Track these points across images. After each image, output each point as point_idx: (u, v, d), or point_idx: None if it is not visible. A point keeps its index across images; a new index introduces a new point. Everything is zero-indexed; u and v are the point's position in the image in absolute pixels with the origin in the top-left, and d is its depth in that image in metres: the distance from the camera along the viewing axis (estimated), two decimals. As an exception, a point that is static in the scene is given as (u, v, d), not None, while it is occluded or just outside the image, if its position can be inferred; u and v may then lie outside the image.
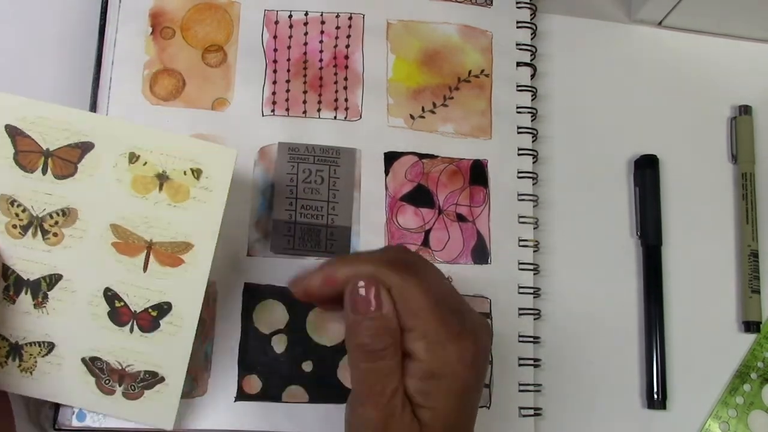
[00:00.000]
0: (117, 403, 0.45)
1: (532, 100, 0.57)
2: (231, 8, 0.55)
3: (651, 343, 0.56)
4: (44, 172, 0.44)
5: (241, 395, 0.49)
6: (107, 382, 0.45)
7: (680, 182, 0.60)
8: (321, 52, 0.55)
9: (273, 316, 0.51)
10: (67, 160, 0.44)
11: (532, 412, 0.52)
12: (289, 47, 0.55)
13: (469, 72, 0.56)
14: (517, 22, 0.58)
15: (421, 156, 0.55)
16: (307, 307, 0.51)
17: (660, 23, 0.62)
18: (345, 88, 0.55)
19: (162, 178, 0.44)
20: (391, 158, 0.54)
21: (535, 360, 0.53)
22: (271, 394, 0.50)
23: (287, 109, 0.54)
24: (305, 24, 0.55)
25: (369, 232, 0.53)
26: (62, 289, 0.44)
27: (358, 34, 0.56)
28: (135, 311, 0.45)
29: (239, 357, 0.50)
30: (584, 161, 0.59)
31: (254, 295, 0.51)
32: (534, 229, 0.55)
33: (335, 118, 0.54)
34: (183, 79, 0.53)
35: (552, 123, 0.59)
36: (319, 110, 0.54)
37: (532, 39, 0.58)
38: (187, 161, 0.44)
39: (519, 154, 0.56)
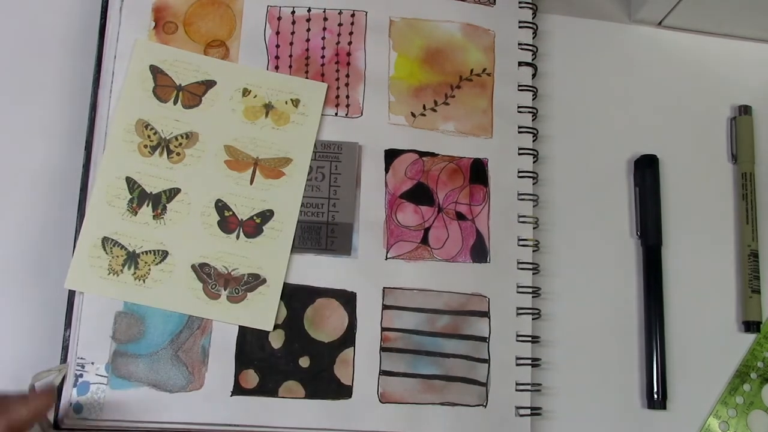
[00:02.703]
0: (221, 307, 0.50)
1: (533, 99, 0.57)
2: (234, 4, 0.55)
3: (651, 343, 0.56)
4: (175, 102, 0.52)
5: (238, 390, 0.49)
6: (213, 287, 0.50)
7: (680, 182, 0.60)
8: (323, 48, 0.55)
9: (271, 311, 0.51)
10: (194, 94, 0.52)
11: (529, 411, 0.52)
12: (291, 43, 0.55)
13: (471, 71, 0.57)
14: (519, 22, 0.58)
15: (422, 154, 0.55)
16: (305, 303, 0.51)
17: (660, 23, 0.62)
18: (347, 84, 0.55)
19: (268, 108, 0.53)
20: (391, 155, 0.54)
21: (534, 359, 0.53)
22: (267, 389, 0.49)
23: (288, 106, 0.54)
24: (308, 20, 0.55)
25: (368, 230, 0.53)
26: (179, 202, 0.51)
27: (360, 31, 0.56)
28: (242, 219, 0.51)
29: (236, 352, 0.50)
30: (584, 161, 0.59)
31: (253, 289, 0.51)
32: (534, 228, 0.55)
33: (336, 114, 0.54)
34: (184, 74, 0.53)
35: (552, 123, 0.60)
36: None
37: (533, 39, 0.58)
38: (288, 93, 0.53)
39: (519, 154, 0.56)
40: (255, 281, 0.50)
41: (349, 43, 0.56)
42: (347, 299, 0.52)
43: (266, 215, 0.51)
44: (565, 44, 0.61)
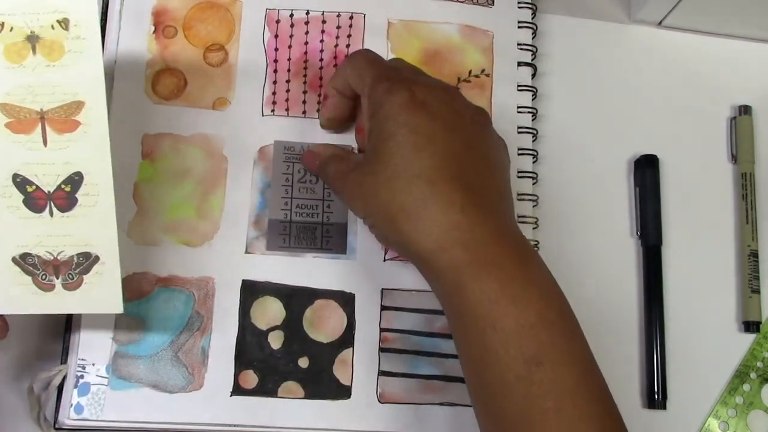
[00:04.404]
0: (60, 298, 0.43)
1: (533, 100, 0.57)
2: (233, 7, 0.55)
3: (651, 343, 0.56)
4: None
5: (238, 390, 0.50)
6: (44, 277, 0.43)
7: (680, 182, 0.60)
8: (321, 51, 0.56)
9: (270, 313, 0.51)
10: None
11: (530, 411, 0.52)
12: (290, 46, 0.55)
13: (470, 72, 0.57)
14: (518, 22, 0.58)
15: (421, 155, 0.55)
16: (304, 305, 0.51)
17: (660, 23, 0.62)
18: (345, 87, 0.55)
19: (32, 40, 0.40)
20: (390, 157, 0.54)
21: (534, 359, 0.53)
22: (267, 389, 0.50)
23: (287, 109, 0.54)
24: (306, 23, 0.56)
25: (366, 230, 0.53)
26: None
27: (358, 33, 0.56)
28: (49, 191, 0.42)
29: (236, 352, 0.50)
30: (584, 161, 0.59)
31: (252, 291, 0.51)
32: (534, 228, 0.55)
33: (335, 117, 0.55)
34: (184, 78, 0.54)
35: (552, 123, 0.59)
36: (318, 110, 0.54)
37: (532, 39, 0.58)
38: (51, 13, 0.40)
39: (519, 154, 0.56)
40: (87, 261, 0.43)
41: (348, 46, 0.56)
42: (346, 300, 0.52)
43: (75, 180, 0.42)
44: (565, 44, 0.61)
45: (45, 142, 0.41)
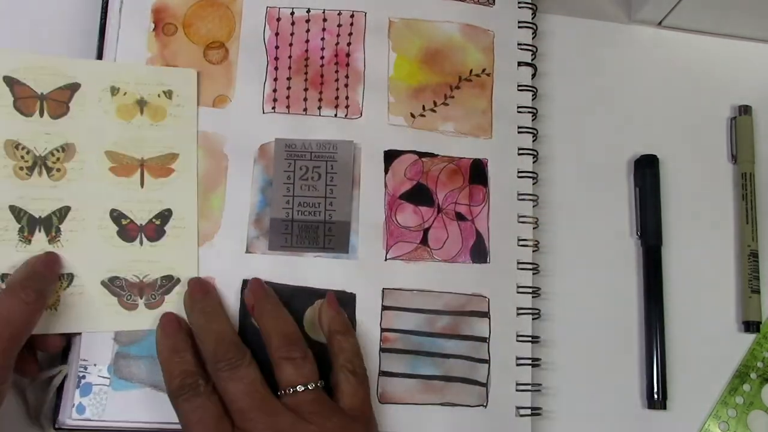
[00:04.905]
0: (142, 316, 0.48)
1: (533, 99, 0.57)
2: (233, 4, 0.55)
3: (651, 343, 0.56)
4: (41, 114, 0.49)
5: (239, 390, 0.49)
6: (129, 298, 0.48)
7: (680, 182, 0.60)
8: (322, 49, 0.55)
9: (271, 312, 0.51)
10: (59, 101, 0.49)
11: (529, 411, 0.52)
12: (290, 44, 0.55)
13: (471, 71, 0.57)
14: (519, 22, 0.58)
15: (421, 154, 0.55)
16: (305, 305, 0.51)
17: (660, 23, 0.62)
18: (346, 85, 0.55)
19: (141, 104, 0.50)
20: (390, 156, 0.54)
21: (534, 360, 0.53)
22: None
23: (288, 107, 0.54)
24: (307, 21, 0.55)
25: (368, 231, 0.53)
26: (72, 220, 0.48)
27: (359, 31, 0.56)
28: (141, 224, 0.49)
29: (237, 352, 0.50)
30: (584, 161, 0.59)
31: (253, 291, 0.51)
32: (534, 228, 0.55)
33: (336, 115, 0.54)
34: (184, 76, 0.53)
35: (552, 123, 0.60)
36: (319, 108, 0.54)
37: (533, 39, 0.58)
38: (158, 85, 0.51)
39: (519, 154, 0.56)
40: (169, 283, 0.49)
41: (349, 44, 0.56)
42: (347, 300, 0.52)
43: (165, 215, 0.50)
44: (565, 44, 0.61)
45: (142, 184, 0.50)
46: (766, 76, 0.63)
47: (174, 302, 0.49)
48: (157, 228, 0.49)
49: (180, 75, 0.52)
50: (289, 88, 0.54)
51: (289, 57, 0.55)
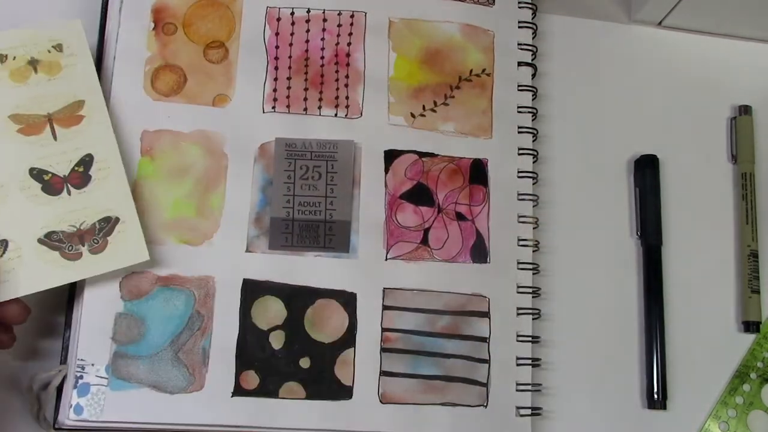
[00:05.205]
0: (88, 262, 0.48)
1: (533, 99, 0.57)
2: (233, 4, 0.55)
3: (651, 343, 0.56)
4: None
5: (239, 391, 0.49)
6: (70, 248, 0.48)
7: (680, 182, 0.60)
8: (322, 49, 0.55)
9: (271, 313, 0.51)
10: None
11: (529, 411, 0.52)
12: (290, 44, 0.55)
13: (471, 71, 0.57)
14: (519, 22, 0.58)
15: (422, 154, 0.55)
16: (306, 304, 0.51)
17: (660, 23, 0.62)
18: (346, 85, 0.55)
19: (33, 63, 0.50)
20: (391, 156, 0.54)
21: (534, 360, 0.53)
22: (268, 390, 0.49)
23: (288, 106, 0.54)
24: (307, 21, 0.55)
25: (368, 230, 0.53)
26: None
27: (359, 31, 0.56)
28: (64, 175, 0.49)
29: (237, 352, 0.50)
30: (584, 161, 0.59)
31: (253, 291, 0.51)
32: (534, 228, 0.55)
33: (336, 115, 0.54)
34: (184, 75, 0.53)
35: (552, 123, 0.60)
36: (319, 107, 0.54)
37: (533, 39, 0.58)
38: (47, 42, 0.51)
39: (519, 154, 0.56)
40: (108, 224, 0.49)
41: (349, 44, 0.56)
42: (347, 300, 0.52)
43: (86, 161, 0.49)
44: (565, 44, 0.61)
45: (55, 138, 0.49)
46: (766, 76, 0.63)
47: (118, 240, 0.48)
48: (81, 175, 0.49)
49: (65, 26, 0.51)
50: (289, 87, 0.54)
51: (289, 57, 0.55)
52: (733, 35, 0.63)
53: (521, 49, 0.58)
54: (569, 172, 0.59)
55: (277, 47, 0.55)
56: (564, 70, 0.61)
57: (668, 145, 0.60)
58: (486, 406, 0.52)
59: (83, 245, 0.48)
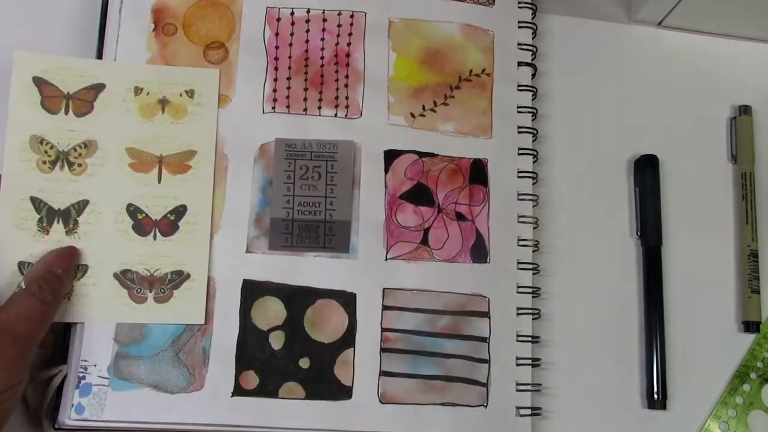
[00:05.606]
0: (149, 309, 0.49)
1: (533, 99, 0.57)
2: (233, 5, 0.55)
3: (651, 343, 0.56)
4: (66, 112, 0.50)
5: (238, 391, 0.49)
6: (139, 291, 0.49)
7: (680, 182, 0.60)
8: (322, 49, 0.55)
9: (271, 313, 0.51)
10: (84, 101, 0.51)
11: (529, 411, 0.52)
12: (290, 44, 0.55)
13: (471, 71, 0.57)
14: (519, 22, 0.58)
15: (422, 154, 0.55)
16: (305, 304, 0.51)
17: (660, 23, 0.62)
18: (346, 85, 0.55)
19: (163, 103, 0.52)
20: (391, 156, 0.54)
21: (534, 360, 0.53)
22: (268, 390, 0.50)
23: (288, 107, 0.54)
24: (307, 21, 0.55)
25: (368, 230, 0.53)
26: (90, 213, 0.50)
27: (359, 31, 0.56)
28: (156, 219, 0.50)
29: (237, 353, 0.50)
30: (584, 161, 0.59)
31: (253, 291, 0.51)
32: (534, 228, 0.55)
33: (336, 115, 0.54)
34: (184, 76, 0.53)
35: (552, 123, 0.59)
36: (319, 108, 0.54)
37: (532, 39, 0.58)
38: (181, 85, 0.52)
39: (519, 154, 0.56)
40: (179, 278, 0.50)
41: (349, 44, 0.56)
42: (347, 300, 0.52)
43: (180, 211, 0.51)
44: (565, 44, 0.61)
45: (159, 180, 0.51)
46: (766, 76, 0.63)
47: (183, 297, 0.50)
48: (171, 223, 0.50)
49: (203, 75, 0.53)
50: (289, 88, 0.54)
51: (289, 57, 0.55)
52: (733, 35, 0.63)
53: (521, 49, 0.58)
54: (569, 172, 0.59)
55: (277, 47, 0.55)
56: (564, 70, 0.61)
57: (668, 145, 0.60)
58: (486, 406, 0.52)
59: (150, 291, 0.50)
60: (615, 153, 0.60)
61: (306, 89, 0.54)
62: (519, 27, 0.58)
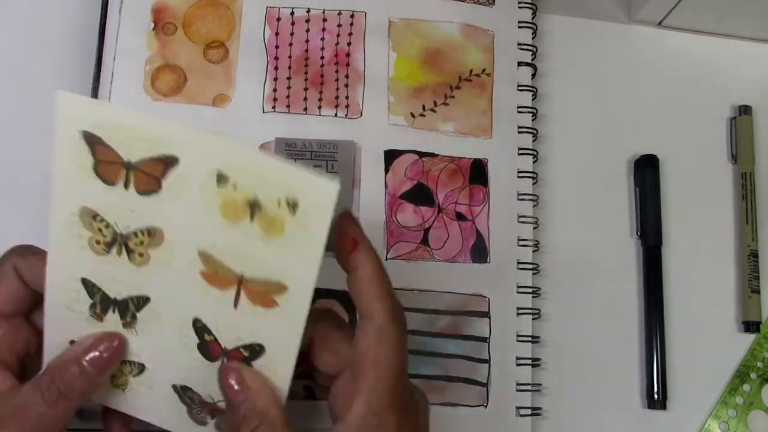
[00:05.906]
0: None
1: (533, 99, 0.57)
2: (233, 4, 0.55)
3: (651, 343, 0.56)
4: (126, 186, 0.36)
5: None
6: (199, 413, 0.42)
7: (680, 182, 0.60)
8: (322, 49, 0.55)
9: (272, 312, 0.50)
10: (150, 175, 0.36)
11: (529, 411, 0.52)
12: (290, 44, 0.55)
13: (471, 71, 0.57)
14: (519, 22, 0.58)
15: (422, 154, 0.55)
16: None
17: (660, 23, 0.62)
18: (346, 85, 0.55)
19: (254, 207, 0.35)
20: (391, 156, 0.54)
21: (534, 360, 0.53)
22: (269, 389, 0.49)
23: (288, 106, 0.54)
24: (307, 21, 0.55)
25: (368, 231, 0.52)
26: (150, 311, 0.39)
27: (359, 31, 0.56)
28: (226, 348, 0.39)
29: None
30: (584, 161, 0.59)
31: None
32: (534, 228, 0.55)
33: (336, 115, 0.54)
34: (184, 75, 0.53)
35: (552, 123, 0.59)
36: (319, 107, 0.54)
37: (533, 39, 0.58)
38: (281, 189, 0.34)
39: (519, 154, 0.56)
40: None
41: (349, 44, 0.56)
42: (348, 300, 0.51)
43: (255, 350, 0.39)
44: (565, 44, 0.61)
45: (236, 305, 0.38)
46: (766, 76, 0.63)
47: None
48: (244, 359, 0.39)
49: (315, 186, 0.34)
50: (289, 87, 0.54)
51: (289, 57, 0.55)
52: (733, 35, 0.63)
53: (521, 49, 0.58)
54: (569, 172, 0.59)
55: (277, 47, 0.55)
56: (564, 70, 0.61)
57: (668, 145, 0.60)
58: (486, 406, 0.52)
59: (212, 418, 0.42)
60: (615, 153, 0.60)
61: (306, 89, 0.54)
62: (519, 27, 0.58)
